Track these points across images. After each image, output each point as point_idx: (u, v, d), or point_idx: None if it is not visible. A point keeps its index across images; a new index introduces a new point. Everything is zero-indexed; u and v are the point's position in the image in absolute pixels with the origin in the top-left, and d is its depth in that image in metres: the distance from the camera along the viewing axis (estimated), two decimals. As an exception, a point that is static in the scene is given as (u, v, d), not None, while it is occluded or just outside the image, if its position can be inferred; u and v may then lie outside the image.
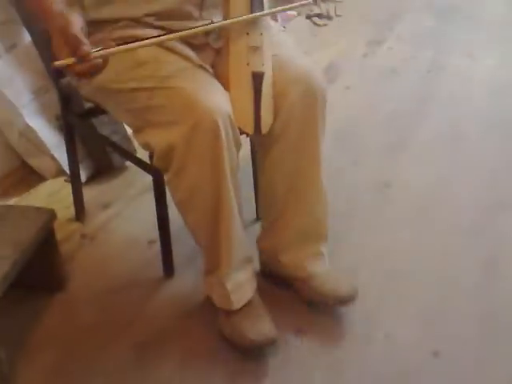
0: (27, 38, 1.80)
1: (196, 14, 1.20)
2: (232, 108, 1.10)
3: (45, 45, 1.67)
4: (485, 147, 2.02)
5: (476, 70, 2.66)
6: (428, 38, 3.06)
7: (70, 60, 0.93)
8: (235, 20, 1.11)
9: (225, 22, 1.12)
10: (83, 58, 0.93)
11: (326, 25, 3.38)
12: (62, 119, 1.55)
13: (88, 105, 1.57)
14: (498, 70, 2.66)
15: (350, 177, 1.84)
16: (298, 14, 3.43)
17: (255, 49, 1.12)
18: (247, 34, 1.12)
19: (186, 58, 1.16)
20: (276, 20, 3.00)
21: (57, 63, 0.94)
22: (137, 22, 1.17)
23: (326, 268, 1.33)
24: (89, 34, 1.05)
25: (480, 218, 1.66)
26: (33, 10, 1.08)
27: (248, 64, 1.12)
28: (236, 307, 1.22)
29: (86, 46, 0.94)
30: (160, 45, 1.13)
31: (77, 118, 1.57)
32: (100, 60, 0.96)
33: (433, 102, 2.36)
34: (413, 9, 3.56)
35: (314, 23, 3.40)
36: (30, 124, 1.77)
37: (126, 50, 1.02)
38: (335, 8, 3.53)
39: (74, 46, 0.93)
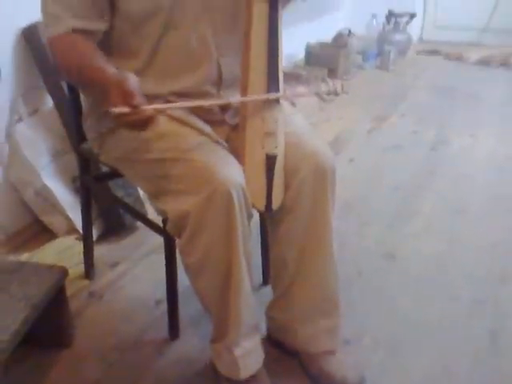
0: (49, 103, 1.91)
1: (214, 93, 1.28)
2: (245, 184, 1.15)
3: (66, 110, 1.78)
4: (486, 221, 2.07)
5: (477, 147, 2.76)
6: (431, 116, 3.18)
7: (126, 109, 1.01)
8: (255, 98, 1.17)
9: (251, 98, 1.19)
10: (138, 108, 1.00)
11: (333, 100, 3.52)
12: (80, 182, 1.61)
13: (104, 168, 1.65)
14: (499, 147, 2.76)
15: (354, 246, 1.89)
16: (306, 90, 3.58)
17: (270, 133, 1.18)
18: (263, 120, 1.17)
19: (204, 133, 1.22)
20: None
21: (115, 110, 1.01)
22: (158, 99, 1.23)
23: (337, 346, 1.33)
24: None
25: (482, 290, 1.68)
26: (85, 74, 1.15)
27: (263, 147, 1.18)
28: (243, 376, 1.22)
29: (142, 99, 1.01)
30: (180, 120, 1.21)
31: (93, 181, 1.64)
32: (152, 113, 1.03)
33: (435, 176, 2.44)
34: (416, 88, 3.72)
35: (322, 99, 3.55)
36: (47, 184, 1.84)
37: (175, 108, 1.15)
38: (342, 85, 3.68)
39: (130, 98, 1.00)
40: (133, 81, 1.04)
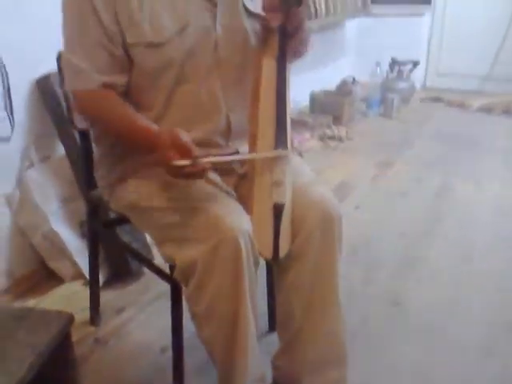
0: (61, 150, 1.95)
1: (223, 143, 1.32)
2: (252, 232, 1.16)
3: (77, 158, 1.82)
4: (493, 267, 2.07)
5: (482, 193, 2.78)
6: (435, 163, 3.21)
7: (186, 161, 1.07)
8: (264, 155, 1.21)
9: (258, 155, 1.23)
10: (196, 160, 1.07)
11: (337, 147, 3.57)
12: (88, 228, 1.63)
13: (112, 214, 1.67)
14: (504, 193, 2.77)
15: (359, 293, 1.89)
16: (312, 136, 3.64)
17: (278, 183, 1.20)
18: (271, 170, 1.20)
19: (213, 182, 1.25)
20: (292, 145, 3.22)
21: (175, 163, 1.07)
22: None
23: None
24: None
25: (490, 336, 1.67)
26: (126, 133, 1.22)
27: (271, 197, 1.20)
28: None
29: (198, 152, 1.07)
30: None
31: (101, 227, 1.66)
32: (209, 165, 1.09)
33: (441, 223, 2.45)
34: (420, 135, 3.77)
35: (327, 144, 3.60)
36: (55, 229, 1.87)
37: (228, 160, 1.24)
38: (347, 132, 3.75)
39: (188, 151, 1.07)
40: (185, 135, 1.10)
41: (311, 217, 1.23)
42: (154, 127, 1.17)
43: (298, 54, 1.27)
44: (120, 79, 1.24)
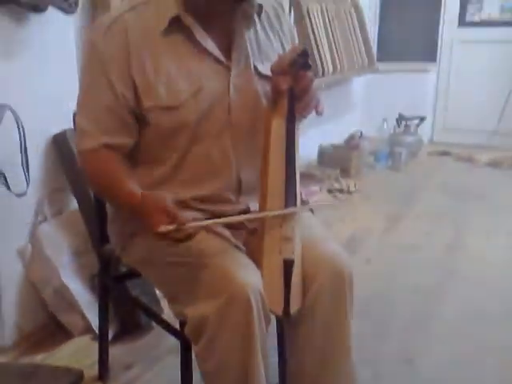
0: (74, 204, 1.98)
1: (234, 199, 1.33)
2: (263, 289, 1.16)
3: (91, 213, 1.84)
4: (507, 327, 2.04)
5: (493, 248, 2.76)
6: (445, 217, 3.21)
7: (172, 227, 1.09)
8: (274, 213, 1.22)
9: (266, 213, 1.23)
10: (182, 225, 1.09)
11: (346, 199, 3.59)
12: (99, 282, 1.64)
13: (123, 268, 1.68)
14: (515, 249, 2.76)
15: (371, 349, 1.85)
16: (320, 189, 3.67)
17: (287, 239, 1.21)
18: (280, 226, 1.21)
19: (223, 237, 1.26)
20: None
21: (162, 228, 1.10)
22: (182, 204, 1.28)
23: None
24: None
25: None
26: (115, 196, 1.25)
27: (280, 253, 1.20)
28: None
29: (184, 217, 1.10)
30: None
31: (112, 281, 1.66)
32: (195, 229, 1.12)
33: (453, 278, 2.42)
34: (429, 188, 3.79)
35: (336, 197, 3.63)
36: (66, 282, 1.87)
37: (216, 224, 1.22)
38: (355, 184, 3.78)
39: (173, 217, 1.10)
40: (171, 200, 1.13)
41: (322, 273, 1.23)
42: (138, 192, 1.20)
43: (306, 114, 1.30)
44: (125, 141, 1.27)
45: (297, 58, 1.19)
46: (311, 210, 1.47)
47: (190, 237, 1.13)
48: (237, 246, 1.27)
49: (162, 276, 1.29)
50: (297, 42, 1.49)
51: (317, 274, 1.23)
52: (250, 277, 1.15)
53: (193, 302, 1.16)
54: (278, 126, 1.23)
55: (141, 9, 1.24)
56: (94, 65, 1.24)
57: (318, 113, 1.25)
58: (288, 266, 1.20)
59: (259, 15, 1.33)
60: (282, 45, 1.39)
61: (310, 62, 1.21)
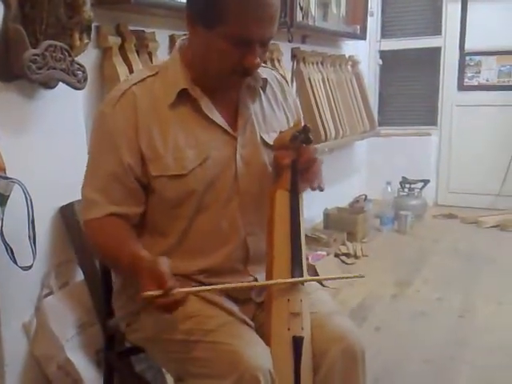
0: (79, 276, 1.96)
1: (241, 269, 1.32)
2: (273, 368, 1.13)
3: (97, 286, 1.82)
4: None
5: (505, 315, 2.70)
6: (454, 282, 3.16)
7: (157, 292, 1.04)
8: (281, 281, 1.20)
9: (273, 282, 1.21)
10: (169, 291, 1.04)
11: (353, 263, 3.55)
12: (104, 358, 1.60)
13: (128, 343, 1.64)
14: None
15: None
16: (328, 254, 3.63)
17: (296, 315, 1.19)
18: (288, 300, 1.19)
19: (230, 312, 1.24)
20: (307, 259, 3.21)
21: (145, 294, 1.04)
22: (187, 278, 1.28)
23: None
24: None
25: None
26: (117, 257, 1.19)
27: (289, 329, 1.18)
28: None
29: (173, 282, 1.05)
30: (207, 299, 1.24)
31: (117, 357, 1.62)
32: (183, 296, 1.06)
33: (466, 347, 2.36)
34: (436, 252, 3.75)
35: (343, 261, 3.59)
36: (71, 358, 1.82)
37: (204, 291, 1.18)
38: (362, 249, 3.75)
39: (162, 281, 1.04)
40: (164, 264, 1.08)
41: (332, 350, 1.21)
42: (141, 252, 1.15)
43: (309, 185, 1.31)
44: (133, 210, 1.27)
45: (298, 133, 1.23)
46: (321, 284, 1.45)
47: (177, 304, 1.07)
48: (245, 322, 1.24)
49: (166, 354, 1.26)
50: (301, 114, 1.53)
51: (327, 351, 1.21)
52: (259, 356, 1.13)
53: (200, 382, 1.13)
54: (281, 197, 1.25)
55: (149, 81, 1.28)
56: (103, 136, 1.27)
57: (320, 188, 1.26)
58: (297, 343, 1.18)
59: (264, 89, 1.37)
60: (287, 117, 1.43)
61: (312, 136, 1.24)
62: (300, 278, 1.21)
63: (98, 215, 1.25)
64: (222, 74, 1.24)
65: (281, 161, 1.25)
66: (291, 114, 1.44)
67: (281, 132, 1.31)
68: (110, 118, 1.25)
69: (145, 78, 1.28)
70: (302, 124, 1.25)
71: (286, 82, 1.48)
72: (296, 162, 1.24)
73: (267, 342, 1.19)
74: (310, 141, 1.24)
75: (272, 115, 1.38)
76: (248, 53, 1.19)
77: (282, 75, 1.48)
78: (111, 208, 1.25)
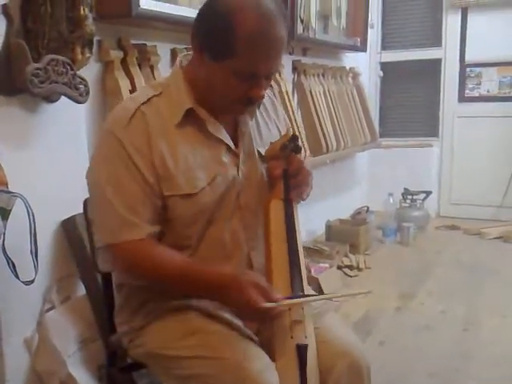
0: (81, 291, 1.95)
1: None
2: (278, 380, 1.13)
3: (98, 301, 1.81)
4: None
5: (509, 328, 2.67)
6: (458, 294, 3.14)
7: (274, 304, 1.12)
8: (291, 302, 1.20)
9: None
10: (278, 302, 1.12)
11: (356, 276, 3.53)
12: (106, 373, 1.58)
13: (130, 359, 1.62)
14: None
15: None
16: (330, 266, 3.61)
17: (298, 322, 1.19)
18: (289, 309, 1.19)
19: (234, 327, 1.23)
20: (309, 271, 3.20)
21: (267, 305, 1.11)
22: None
23: None
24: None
25: None
26: (191, 281, 1.20)
27: (292, 337, 1.18)
28: None
29: (278, 295, 1.13)
30: (210, 315, 1.24)
31: (119, 372, 1.60)
32: (285, 308, 1.14)
33: (472, 360, 2.34)
34: (439, 263, 3.73)
35: (346, 274, 3.57)
36: (73, 373, 1.80)
37: (306, 302, 1.22)
38: (364, 261, 3.73)
39: (269, 295, 1.12)
40: (263, 278, 1.16)
41: (338, 366, 1.20)
42: (226, 270, 1.20)
43: (301, 193, 1.34)
44: (159, 229, 1.27)
45: (287, 143, 1.29)
46: (329, 299, 1.46)
47: (277, 316, 1.14)
48: (249, 337, 1.23)
49: (170, 371, 1.25)
50: (289, 125, 1.58)
51: (333, 367, 1.20)
52: (263, 371, 1.12)
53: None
54: (276, 206, 1.28)
55: (155, 101, 1.27)
56: (120, 159, 1.22)
57: (302, 198, 1.33)
58: (301, 351, 1.17)
59: (259, 105, 1.40)
60: (279, 131, 1.46)
61: (300, 145, 1.31)
62: (317, 297, 1.26)
63: (138, 236, 1.21)
64: (226, 101, 1.26)
65: (273, 171, 1.30)
66: (282, 128, 1.48)
67: (271, 143, 1.35)
68: (125, 140, 1.22)
69: (150, 98, 1.27)
70: (291, 133, 1.32)
71: (276, 98, 1.52)
72: (287, 171, 1.30)
73: (272, 353, 1.18)
74: (300, 149, 1.30)
75: (266, 130, 1.42)
76: (254, 86, 1.22)
77: (272, 92, 1.51)
78: (150, 228, 1.23)
